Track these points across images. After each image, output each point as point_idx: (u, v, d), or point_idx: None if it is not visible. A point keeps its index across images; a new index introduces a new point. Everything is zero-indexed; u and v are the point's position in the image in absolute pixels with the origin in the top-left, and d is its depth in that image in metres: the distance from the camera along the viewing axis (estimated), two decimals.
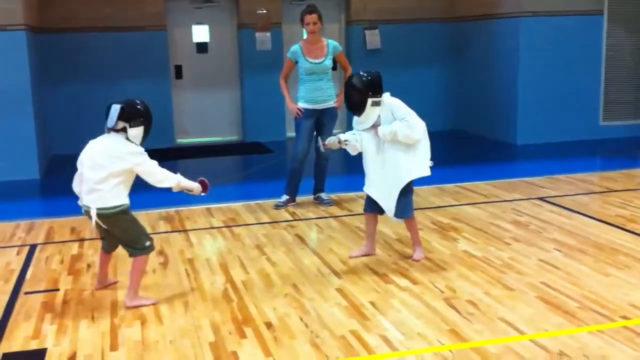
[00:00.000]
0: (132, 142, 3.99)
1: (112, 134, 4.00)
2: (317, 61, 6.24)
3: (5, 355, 3.54)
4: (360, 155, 4.78)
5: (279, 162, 7.61)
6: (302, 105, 6.30)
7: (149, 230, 4.50)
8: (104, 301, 4.22)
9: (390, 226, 5.46)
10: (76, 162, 4.08)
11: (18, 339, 3.72)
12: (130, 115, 3.97)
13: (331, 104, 6.33)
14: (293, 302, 4.13)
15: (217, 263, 4.91)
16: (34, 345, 3.64)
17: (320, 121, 6.33)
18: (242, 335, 3.68)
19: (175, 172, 4.17)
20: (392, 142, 4.55)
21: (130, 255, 4.13)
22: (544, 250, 4.97)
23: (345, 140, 4.73)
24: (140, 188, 4.28)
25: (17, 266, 4.96)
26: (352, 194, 6.74)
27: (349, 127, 4.88)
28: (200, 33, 10.72)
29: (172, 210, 6.40)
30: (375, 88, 4.56)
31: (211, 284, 4.47)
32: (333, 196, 6.64)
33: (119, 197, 3.97)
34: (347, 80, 4.72)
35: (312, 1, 6.67)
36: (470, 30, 10.76)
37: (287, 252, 5.11)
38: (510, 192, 6.81)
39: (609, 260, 4.69)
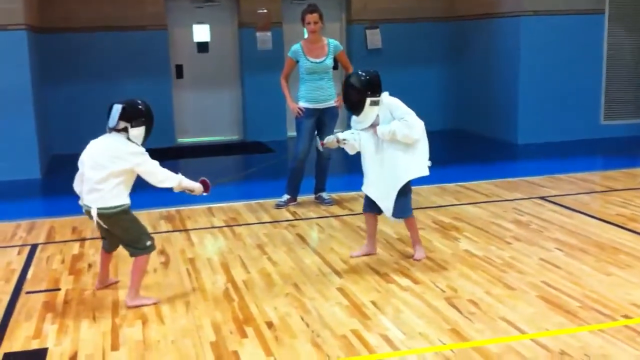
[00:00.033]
0: (133, 142, 3.99)
1: (114, 133, 3.99)
2: (318, 60, 6.24)
3: (6, 355, 3.54)
4: (361, 154, 4.78)
5: (280, 161, 7.60)
6: (302, 104, 6.30)
7: (149, 229, 4.50)
8: (105, 301, 4.22)
9: (391, 226, 5.46)
10: (77, 161, 4.08)
11: (19, 338, 3.72)
12: (131, 115, 3.97)
13: (332, 103, 6.33)
14: (294, 301, 4.13)
15: (218, 262, 4.91)
16: (35, 345, 3.64)
17: (321, 121, 6.33)
18: (243, 334, 3.68)
19: (176, 172, 4.16)
20: (391, 141, 4.54)
21: (131, 255, 4.13)
22: (545, 249, 4.96)
23: (344, 140, 4.72)
24: (141, 188, 4.28)
25: (18, 266, 4.96)
26: (353, 194, 6.73)
27: (349, 126, 4.87)
28: (201, 32, 10.71)
29: (173, 209, 6.40)
30: (373, 87, 4.54)
31: (212, 284, 4.47)
32: (334, 195, 6.64)
33: (120, 197, 3.97)
34: (346, 79, 4.69)
35: (313, 0, 6.66)
36: (470, 30, 10.75)
37: (288, 251, 5.11)
38: (511, 191, 6.80)
39: (610, 260, 4.69)
